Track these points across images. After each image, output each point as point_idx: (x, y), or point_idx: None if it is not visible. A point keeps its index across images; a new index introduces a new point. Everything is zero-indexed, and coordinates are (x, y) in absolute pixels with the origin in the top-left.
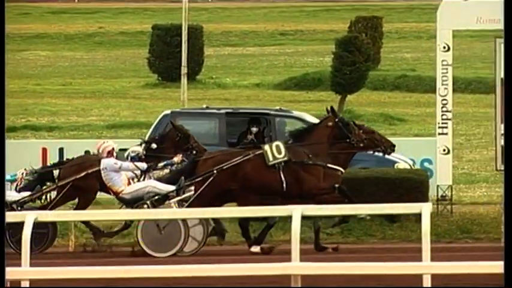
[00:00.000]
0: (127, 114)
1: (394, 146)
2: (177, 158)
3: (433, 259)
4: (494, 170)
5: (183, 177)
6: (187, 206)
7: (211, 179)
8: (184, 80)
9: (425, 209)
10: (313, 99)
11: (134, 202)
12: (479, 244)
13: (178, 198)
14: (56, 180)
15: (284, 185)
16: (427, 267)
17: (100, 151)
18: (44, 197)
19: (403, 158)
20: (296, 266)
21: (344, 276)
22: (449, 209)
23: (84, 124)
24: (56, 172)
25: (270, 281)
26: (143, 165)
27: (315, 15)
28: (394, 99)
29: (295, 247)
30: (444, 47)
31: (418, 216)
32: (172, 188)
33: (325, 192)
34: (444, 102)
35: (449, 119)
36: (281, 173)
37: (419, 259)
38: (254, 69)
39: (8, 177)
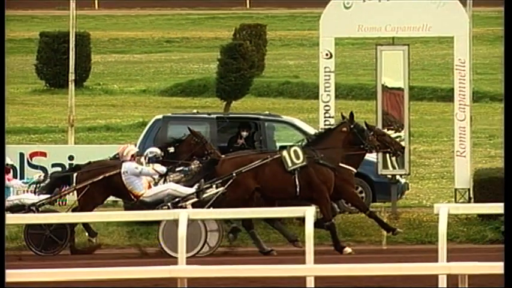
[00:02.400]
0: (15, 120)
1: (403, 148)
2: (194, 165)
3: (316, 261)
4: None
5: (202, 180)
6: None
7: (230, 181)
8: (71, 86)
9: (308, 213)
10: (198, 106)
11: (155, 205)
12: (360, 247)
13: (194, 199)
14: (74, 184)
15: (298, 189)
16: (310, 269)
17: (124, 154)
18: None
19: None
20: (183, 269)
21: (230, 279)
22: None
23: None
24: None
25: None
26: (163, 169)
27: (200, 23)
28: (278, 105)
29: (182, 248)
30: (327, 54)
31: (302, 220)
32: (192, 190)
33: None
34: (327, 108)
35: (332, 125)
36: (296, 177)
37: (303, 262)
38: (141, 75)
39: (25, 180)
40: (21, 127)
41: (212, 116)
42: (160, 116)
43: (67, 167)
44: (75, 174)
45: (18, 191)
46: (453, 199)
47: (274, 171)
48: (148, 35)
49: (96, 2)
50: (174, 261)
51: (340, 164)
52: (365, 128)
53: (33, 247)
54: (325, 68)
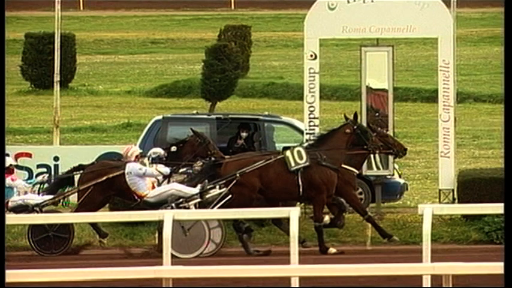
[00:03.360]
0: None
1: (406, 149)
2: (197, 166)
3: (301, 262)
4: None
5: (206, 180)
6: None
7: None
8: (57, 87)
9: (293, 214)
10: (183, 106)
11: (159, 205)
12: (345, 247)
13: (197, 200)
14: (77, 184)
15: (301, 189)
16: (294, 269)
17: (128, 155)
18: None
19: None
20: (166, 270)
21: (215, 279)
22: None
23: None
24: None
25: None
26: (166, 171)
27: (185, 24)
28: (262, 106)
29: (167, 249)
30: (311, 55)
31: (286, 220)
32: (195, 190)
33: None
34: (311, 109)
35: (317, 126)
36: (299, 178)
37: (287, 262)
38: (126, 76)
39: (30, 180)
40: (6, 128)
41: (212, 116)
42: (160, 117)
43: (52, 168)
44: (78, 175)
45: (21, 192)
46: (437, 200)
47: (277, 171)
48: (133, 36)
49: (81, 3)
50: (159, 261)
51: (343, 166)
52: (368, 129)
53: (37, 247)
54: (310, 69)
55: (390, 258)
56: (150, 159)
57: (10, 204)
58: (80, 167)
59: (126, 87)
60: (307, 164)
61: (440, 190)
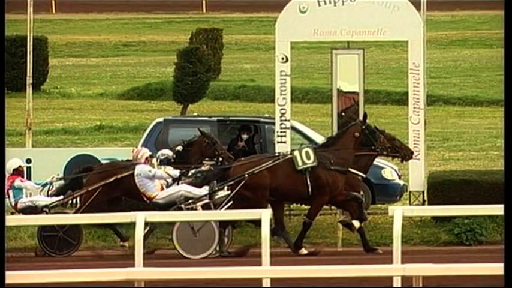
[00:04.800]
0: None
1: (412, 153)
2: (205, 168)
3: (273, 263)
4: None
5: (215, 181)
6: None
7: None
8: (29, 90)
9: (264, 215)
10: (155, 109)
11: (168, 207)
12: (315, 249)
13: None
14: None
15: (309, 190)
16: (265, 271)
17: (139, 157)
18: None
19: (389, 164)
20: (139, 271)
21: (187, 281)
22: (287, 214)
23: None
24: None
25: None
26: (175, 173)
27: (157, 27)
28: (234, 108)
29: (139, 251)
30: (282, 58)
31: (258, 222)
32: (204, 191)
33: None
34: (283, 111)
35: (288, 128)
36: (307, 178)
37: (259, 263)
38: (98, 79)
39: (39, 182)
40: None
41: (213, 118)
42: (161, 119)
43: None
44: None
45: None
46: (408, 201)
47: (285, 171)
48: (105, 38)
49: (53, 6)
50: (131, 263)
51: (349, 169)
52: (376, 129)
53: (46, 248)
54: (281, 71)
55: (361, 259)
56: (159, 160)
57: (19, 205)
58: (88, 168)
59: (98, 90)
60: (314, 164)
61: (410, 192)
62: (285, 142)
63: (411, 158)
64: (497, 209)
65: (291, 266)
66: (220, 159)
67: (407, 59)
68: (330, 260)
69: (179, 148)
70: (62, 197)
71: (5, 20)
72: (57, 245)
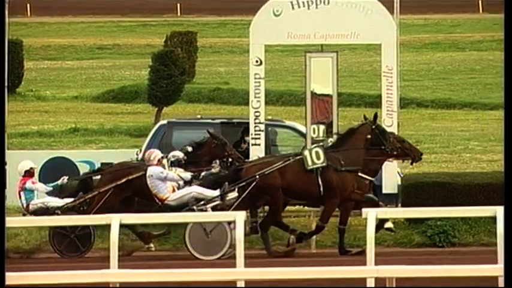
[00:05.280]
0: None
1: (422, 154)
2: (214, 169)
3: (248, 265)
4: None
5: (227, 183)
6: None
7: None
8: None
9: (239, 218)
10: (130, 112)
11: (180, 208)
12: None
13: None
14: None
15: (321, 189)
16: (240, 273)
17: (151, 158)
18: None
19: None
20: (114, 273)
21: (161, 283)
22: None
23: None
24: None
25: None
26: (187, 176)
27: (132, 30)
28: (208, 111)
29: (114, 253)
30: (257, 61)
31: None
32: (216, 193)
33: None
34: (257, 114)
35: (262, 130)
36: (319, 177)
37: (234, 265)
38: (73, 82)
39: (51, 183)
40: None
41: (216, 121)
42: (165, 122)
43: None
44: (98, 177)
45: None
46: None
47: (296, 171)
48: (80, 42)
49: (28, 9)
50: (106, 265)
51: (359, 174)
52: (386, 130)
53: (58, 250)
54: (255, 74)
55: (335, 261)
56: (169, 162)
57: (31, 207)
58: (100, 169)
59: (73, 93)
60: (324, 164)
61: (384, 194)
62: (259, 145)
63: (420, 159)
64: (470, 211)
65: (266, 267)
66: (230, 160)
67: (381, 62)
68: (304, 262)
69: (189, 149)
70: (73, 198)
71: (5, 19)
72: (67, 246)
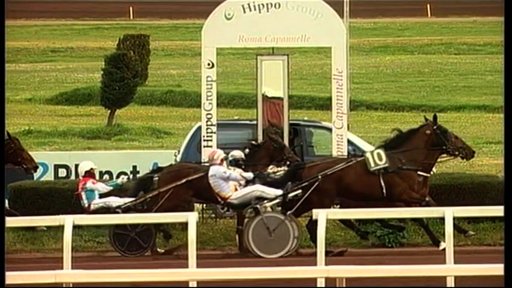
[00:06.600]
0: None
1: (474, 152)
2: (271, 170)
3: (199, 266)
4: None
5: (290, 182)
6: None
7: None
8: None
9: (191, 218)
10: (83, 114)
11: (242, 207)
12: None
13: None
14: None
15: (384, 191)
16: (192, 273)
17: (215, 158)
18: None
19: None
20: (67, 274)
21: (115, 283)
22: (213, 217)
23: None
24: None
25: None
26: (249, 176)
27: (85, 33)
28: (161, 113)
29: (67, 253)
30: (208, 64)
31: (184, 225)
32: (279, 192)
33: (415, 202)
34: (209, 116)
35: (214, 132)
36: (381, 179)
37: (186, 266)
38: (26, 84)
39: (111, 183)
40: None
41: (253, 122)
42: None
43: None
44: (156, 177)
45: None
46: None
47: (358, 172)
48: (33, 44)
49: None
50: (59, 266)
51: (419, 172)
52: (448, 130)
53: (118, 248)
54: (207, 77)
55: (285, 261)
56: (228, 161)
57: (92, 206)
58: (160, 169)
59: (26, 95)
60: (386, 165)
61: None
62: (211, 146)
63: (472, 157)
64: (419, 212)
65: (217, 268)
66: (288, 162)
67: (331, 65)
68: (254, 262)
69: (246, 150)
70: (134, 198)
71: (4, 20)
72: (128, 245)
